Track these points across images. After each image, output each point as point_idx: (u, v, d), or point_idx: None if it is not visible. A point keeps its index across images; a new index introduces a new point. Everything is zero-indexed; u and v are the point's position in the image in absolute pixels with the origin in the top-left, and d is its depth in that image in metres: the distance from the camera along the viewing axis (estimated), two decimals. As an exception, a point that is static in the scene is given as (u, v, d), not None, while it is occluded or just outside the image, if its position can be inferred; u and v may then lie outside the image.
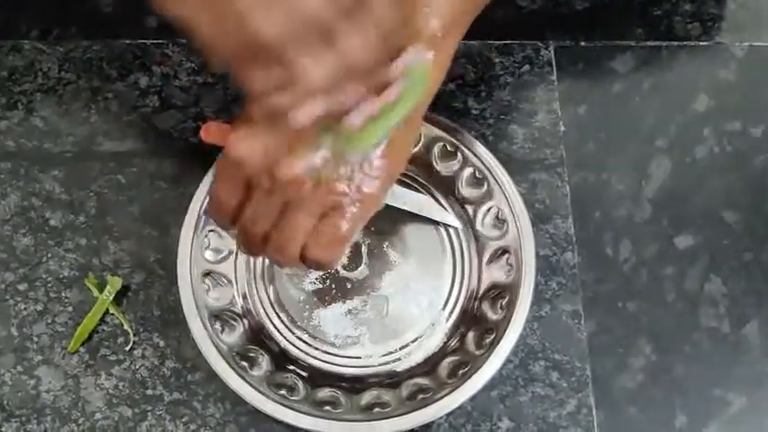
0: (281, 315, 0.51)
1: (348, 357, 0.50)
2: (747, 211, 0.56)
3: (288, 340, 0.51)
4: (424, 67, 0.40)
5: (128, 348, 0.51)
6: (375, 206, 0.43)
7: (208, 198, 0.41)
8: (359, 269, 0.52)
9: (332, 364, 0.50)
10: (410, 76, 0.38)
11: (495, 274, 0.51)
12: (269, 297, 0.52)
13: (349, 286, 0.52)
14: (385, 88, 0.37)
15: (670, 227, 0.56)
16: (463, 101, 0.58)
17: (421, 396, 0.47)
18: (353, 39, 0.34)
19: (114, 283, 0.52)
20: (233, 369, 0.47)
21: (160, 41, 0.60)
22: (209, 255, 0.51)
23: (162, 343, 0.51)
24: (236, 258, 0.52)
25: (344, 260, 0.53)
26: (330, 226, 0.41)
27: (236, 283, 0.51)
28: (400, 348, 0.51)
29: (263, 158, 0.37)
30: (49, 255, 0.54)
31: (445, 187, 0.54)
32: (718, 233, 0.56)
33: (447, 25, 0.42)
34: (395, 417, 0.46)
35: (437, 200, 0.54)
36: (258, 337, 0.50)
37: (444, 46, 0.43)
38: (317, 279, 0.52)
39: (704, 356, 0.52)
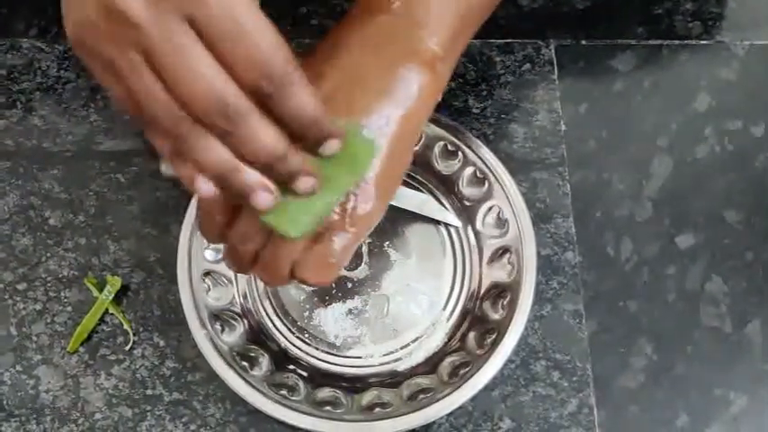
0: (281, 315, 0.51)
1: (349, 357, 0.50)
2: (749, 210, 0.56)
3: (288, 340, 0.51)
4: (358, 148, 0.37)
5: (127, 348, 0.51)
6: (369, 227, 0.42)
7: (197, 214, 0.41)
8: (359, 268, 0.52)
9: (332, 363, 0.50)
10: (340, 156, 0.36)
11: (496, 273, 0.51)
12: (269, 297, 0.51)
13: (349, 286, 0.52)
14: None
15: (671, 226, 0.56)
16: (464, 100, 0.58)
17: (422, 396, 0.47)
18: (256, 135, 0.32)
19: (114, 283, 0.52)
20: (233, 369, 0.46)
21: (159, 40, 0.59)
22: (209, 254, 0.51)
23: (162, 343, 0.51)
24: (237, 258, 0.52)
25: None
26: (321, 249, 0.40)
27: (237, 283, 0.51)
28: (401, 348, 0.51)
29: None
30: (49, 254, 0.53)
31: (446, 186, 0.53)
32: (720, 232, 0.56)
33: (447, 44, 0.42)
34: (396, 417, 0.46)
35: (438, 199, 0.54)
36: (258, 336, 0.50)
37: (442, 66, 0.42)
38: (317, 278, 0.52)
39: (706, 356, 0.52)
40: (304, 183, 0.35)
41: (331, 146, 0.35)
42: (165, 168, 0.34)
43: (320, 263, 0.40)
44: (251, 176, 0.34)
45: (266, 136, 0.33)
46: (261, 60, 0.31)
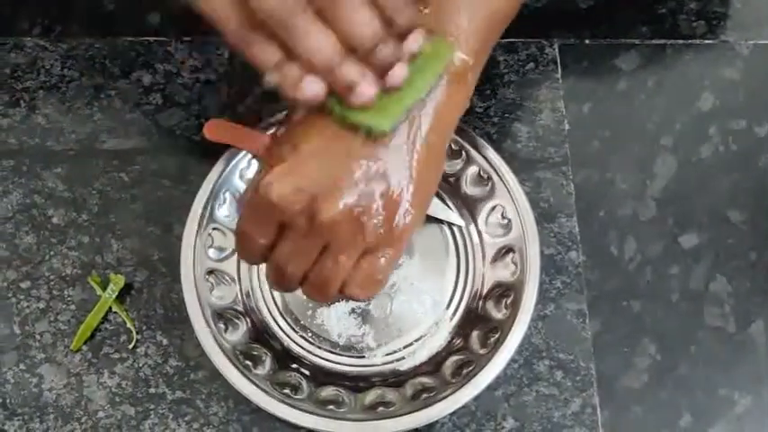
0: (284, 314, 0.51)
1: (352, 356, 0.50)
2: (752, 210, 0.56)
3: (291, 339, 0.50)
4: (438, 48, 0.40)
5: (131, 347, 0.51)
6: (408, 239, 0.42)
7: (235, 234, 0.42)
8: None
9: (335, 363, 0.50)
10: (423, 56, 0.38)
11: (500, 273, 0.51)
12: (272, 295, 0.51)
13: (353, 285, 0.52)
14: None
15: (675, 226, 0.55)
16: (467, 99, 0.58)
17: (425, 395, 0.47)
18: (354, 15, 0.35)
19: (117, 282, 0.52)
20: (236, 368, 0.46)
21: (163, 39, 0.59)
22: (212, 253, 0.51)
23: (165, 341, 0.51)
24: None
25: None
26: (369, 266, 0.40)
27: (240, 282, 0.51)
28: (404, 347, 0.51)
29: (301, 202, 0.38)
30: (52, 253, 0.53)
31: (449, 186, 0.53)
32: (724, 232, 0.55)
33: (476, 52, 0.42)
34: (399, 416, 0.46)
35: (441, 198, 0.53)
36: (261, 335, 0.50)
37: (471, 74, 0.42)
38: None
39: (709, 356, 0.52)
40: (399, 71, 0.37)
41: (417, 38, 0.37)
42: (269, 77, 0.37)
43: (368, 279, 0.41)
44: (355, 68, 0.36)
45: (365, 16, 0.35)
46: None
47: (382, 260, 0.40)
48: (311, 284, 0.41)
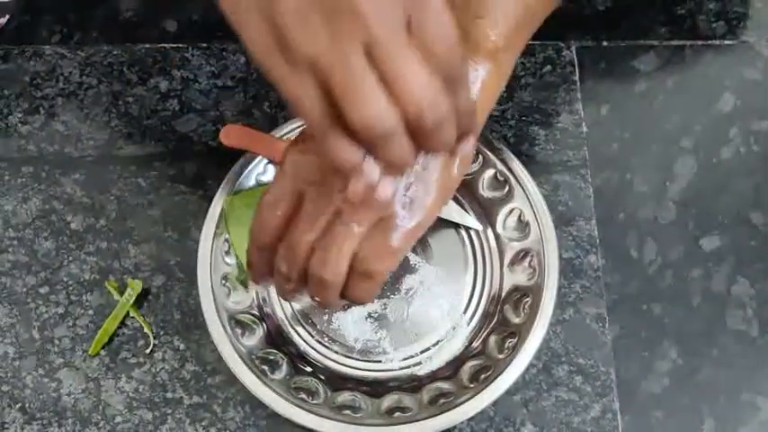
0: (300, 318, 0.51)
1: (368, 361, 0.50)
2: (775, 212, 0.55)
3: (308, 344, 0.50)
4: None
5: (148, 351, 0.51)
6: (429, 222, 0.41)
7: (249, 243, 0.42)
8: (379, 272, 0.52)
9: (352, 367, 0.50)
10: None
11: (518, 276, 0.51)
12: (289, 300, 0.51)
13: (369, 289, 0.51)
14: None
15: (696, 228, 0.55)
16: (484, 102, 0.58)
17: (442, 400, 0.47)
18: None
19: (135, 287, 0.52)
20: (253, 372, 0.46)
21: (180, 45, 0.60)
22: (228, 258, 0.50)
23: (182, 346, 0.51)
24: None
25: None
26: (381, 235, 0.39)
27: (256, 286, 0.51)
28: (421, 352, 0.50)
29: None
30: (71, 258, 0.54)
31: (466, 189, 0.53)
32: (745, 234, 0.55)
33: (509, 35, 0.41)
34: (416, 421, 0.46)
35: (458, 201, 0.53)
36: (278, 340, 0.50)
37: (505, 57, 0.42)
38: (336, 282, 0.52)
39: (731, 360, 0.51)
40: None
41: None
42: (355, 186, 0.36)
43: (382, 249, 0.40)
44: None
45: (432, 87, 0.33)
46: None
47: (396, 232, 0.39)
48: (317, 260, 0.39)
